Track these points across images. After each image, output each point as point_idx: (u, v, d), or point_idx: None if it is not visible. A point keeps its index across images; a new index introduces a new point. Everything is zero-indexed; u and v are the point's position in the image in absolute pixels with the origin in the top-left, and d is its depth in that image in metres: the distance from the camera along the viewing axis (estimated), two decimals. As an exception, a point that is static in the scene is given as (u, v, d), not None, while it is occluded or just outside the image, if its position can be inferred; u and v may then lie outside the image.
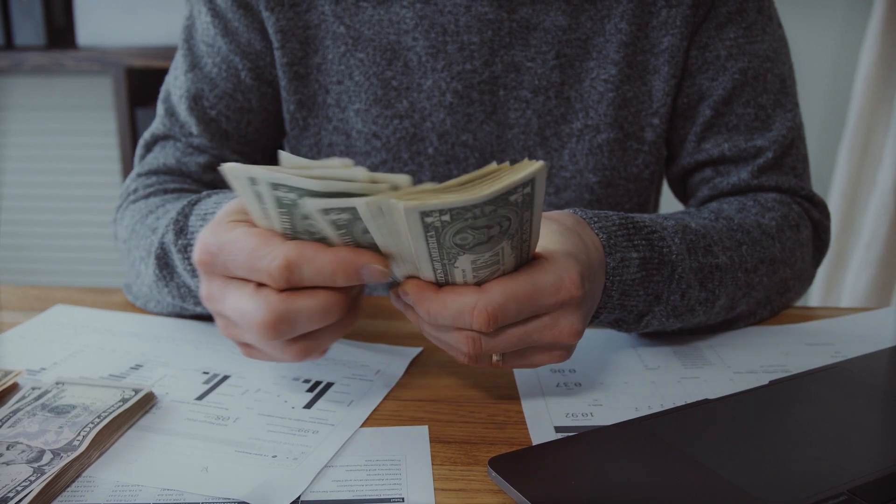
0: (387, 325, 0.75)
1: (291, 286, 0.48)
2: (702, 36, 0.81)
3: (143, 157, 0.87)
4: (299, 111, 0.84)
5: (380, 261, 0.48)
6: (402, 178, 0.44)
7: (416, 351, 0.69)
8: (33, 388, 0.60)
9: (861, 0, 1.98)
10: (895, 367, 0.65)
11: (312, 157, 0.86)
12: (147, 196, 0.79)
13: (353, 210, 0.44)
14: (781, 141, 0.82)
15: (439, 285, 0.51)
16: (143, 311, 0.78)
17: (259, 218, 0.49)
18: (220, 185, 0.84)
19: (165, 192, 0.79)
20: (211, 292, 0.52)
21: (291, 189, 0.44)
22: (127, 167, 1.92)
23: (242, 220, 0.51)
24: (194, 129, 0.83)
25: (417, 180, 0.84)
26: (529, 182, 0.44)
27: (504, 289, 0.50)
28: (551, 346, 0.54)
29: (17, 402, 0.58)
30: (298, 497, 0.49)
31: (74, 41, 1.93)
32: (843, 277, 2.06)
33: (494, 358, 0.54)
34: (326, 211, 0.45)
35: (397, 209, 0.43)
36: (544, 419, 0.58)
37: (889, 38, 1.89)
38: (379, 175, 0.44)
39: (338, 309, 0.49)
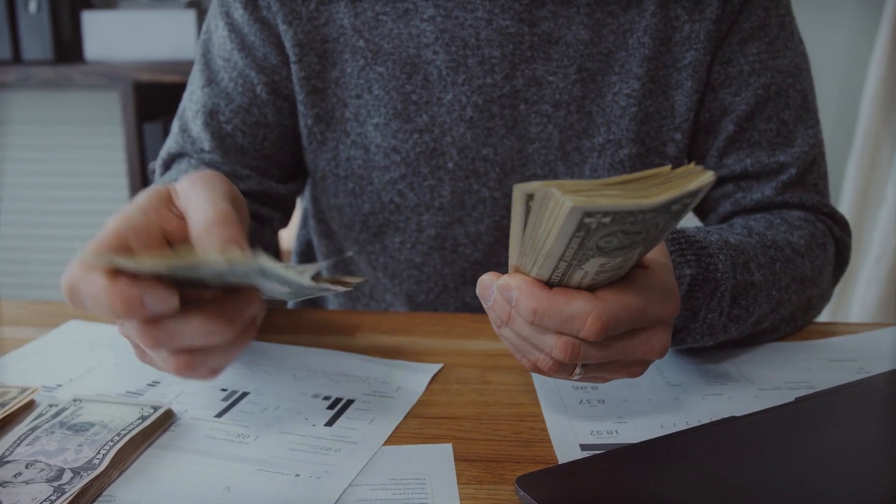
0: (405, 340, 0.74)
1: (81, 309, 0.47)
2: (725, 51, 0.81)
3: (161, 174, 0.87)
4: (317, 125, 0.84)
5: (169, 295, 0.45)
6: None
7: (436, 367, 0.68)
8: (50, 406, 0.59)
9: (868, 17, 1.99)
10: (922, 384, 0.64)
11: (331, 171, 0.86)
12: None
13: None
14: (804, 157, 0.81)
15: (549, 285, 0.49)
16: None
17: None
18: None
19: None
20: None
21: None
22: (134, 181, 1.92)
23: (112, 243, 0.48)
24: (206, 146, 0.83)
25: (436, 195, 0.83)
26: (697, 193, 0.42)
27: (619, 298, 0.48)
28: (634, 362, 0.53)
29: (35, 419, 0.57)
30: (323, 517, 0.48)
31: (82, 56, 1.94)
32: (852, 292, 2.05)
33: (577, 371, 0.53)
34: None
35: (558, 203, 0.40)
36: (569, 437, 0.57)
37: (895, 57, 1.90)
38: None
39: (221, 330, 0.47)
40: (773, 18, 0.81)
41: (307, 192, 0.98)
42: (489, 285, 0.52)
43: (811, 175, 0.82)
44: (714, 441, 0.55)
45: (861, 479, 0.50)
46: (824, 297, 0.79)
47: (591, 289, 0.49)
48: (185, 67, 1.86)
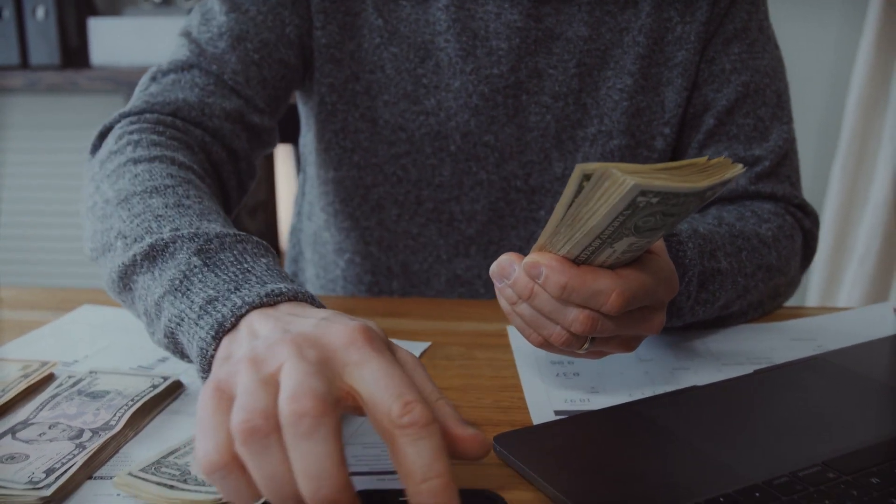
0: (397, 322, 0.79)
1: None
2: (709, 50, 0.87)
3: (146, 88, 0.81)
4: (329, 95, 0.88)
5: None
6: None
7: (425, 345, 0.73)
8: (69, 377, 0.64)
9: (853, 20, 2.04)
10: (873, 358, 0.70)
11: (338, 143, 0.89)
12: (152, 160, 0.69)
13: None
14: (778, 151, 0.87)
15: (575, 262, 0.54)
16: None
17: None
18: (238, 142, 0.81)
19: (173, 162, 0.70)
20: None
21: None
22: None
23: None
24: (233, 67, 0.80)
25: (437, 174, 0.88)
26: (726, 183, 0.47)
27: (638, 277, 0.54)
28: (632, 339, 0.59)
29: (56, 388, 0.62)
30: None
31: (88, 61, 2.00)
32: (837, 292, 2.10)
33: (585, 345, 0.57)
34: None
35: (616, 180, 0.45)
36: (545, 404, 0.62)
37: (879, 60, 1.95)
38: None
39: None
40: (753, 22, 0.87)
41: (304, 183, 1.03)
42: (509, 264, 0.56)
43: (784, 168, 0.88)
44: (676, 407, 0.60)
45: (809, 439, 0.55)
46: (792, 286, 0.85)
47: (611, 269, 0.54)
48: (188, 72, 1.92)
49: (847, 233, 2.05)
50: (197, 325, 0.52)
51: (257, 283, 0.53)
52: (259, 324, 0.49)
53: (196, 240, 0.57)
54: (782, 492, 0.49)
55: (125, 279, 0.60)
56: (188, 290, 0.54)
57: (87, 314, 0.81)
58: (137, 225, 0.61)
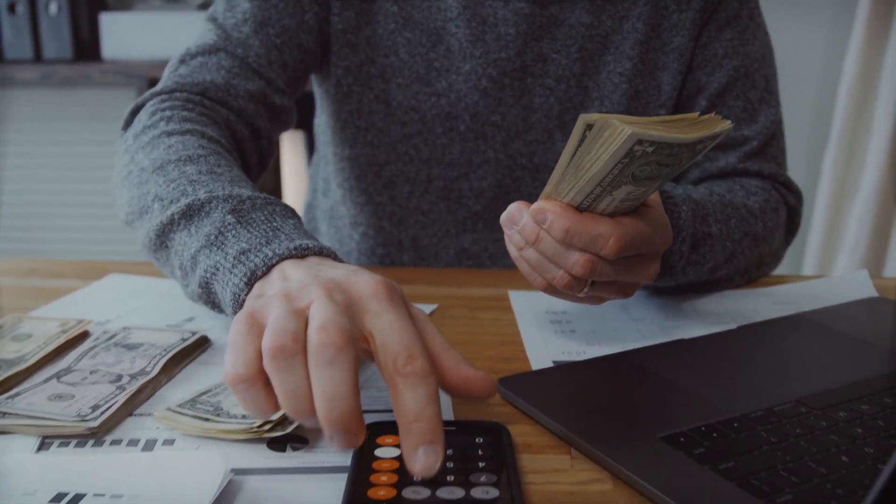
0: (405, 288, 0.84)
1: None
2: (703, 37, 0.92)
3: (178, 65, 0.86)
4: (345, 78, 0.93)
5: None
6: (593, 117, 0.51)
7: (431, 307, 0.78)
8: (104, 332, 0.70)
9: (843, 18, 2.10)
10: (848, 317, 0.75)
11: (353, 123, 0.95)
12: (185, 133, 0.75)
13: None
14: (765, 132, 0.92)
15: (578, 210, 0.59)
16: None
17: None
18: (260, 120, 0.86)
19: (203, 136, 0.76)
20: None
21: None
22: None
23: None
24: (255, 50, 0.85)
25: (447, 152, 0.94)
26: (717, 136, 0.53)
27: (635, 225, 0.59)
28: (628, 285, 0.64)
29: (93, 341, 0.68)
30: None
31: (99, 55, 2.05)
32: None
33: (585, 289, 0.62)
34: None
35: (616, 130, 0.49)
36: (544, 355, 0.68)
37: (869, 55, 2.00)
38: None
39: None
40: (744, 10, 0.93)
41: (319, 161, 1.09)
42: (518, 212, 0.62)
43: (771, 148, 0.93)
44: (665, 355, 0.66)
45: (786, 382, 0.61)
46: (776, 257, 0.90)
47: (610, 216, 0.59)
48: (197, 65, 1.97)
49: (838, 223, 2.10)
50: (231, 273, 0.58)
51: (286, 238, 0.59)
52: (290, 270, 0.55)
53: (230, 201, 0.63)
54: (758, 423, 0.54)
55: (162, 237, 0.65)
56: (223, 243, 0.60)
57: (114, 281, 0.86)
58: (174, 189, 0.66)
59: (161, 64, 1.97)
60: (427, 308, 0.78)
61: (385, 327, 0.49)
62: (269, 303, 0.50)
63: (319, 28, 0.92)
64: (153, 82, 1.98)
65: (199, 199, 0.64)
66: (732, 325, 0.74)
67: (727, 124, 0.53)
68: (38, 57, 2.04)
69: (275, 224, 0.61)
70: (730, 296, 0.82)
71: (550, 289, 0.63)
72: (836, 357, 0.67)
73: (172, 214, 0.64)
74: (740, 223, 0.81)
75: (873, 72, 2.02)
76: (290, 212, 0.65)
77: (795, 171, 0.98)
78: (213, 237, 0.61)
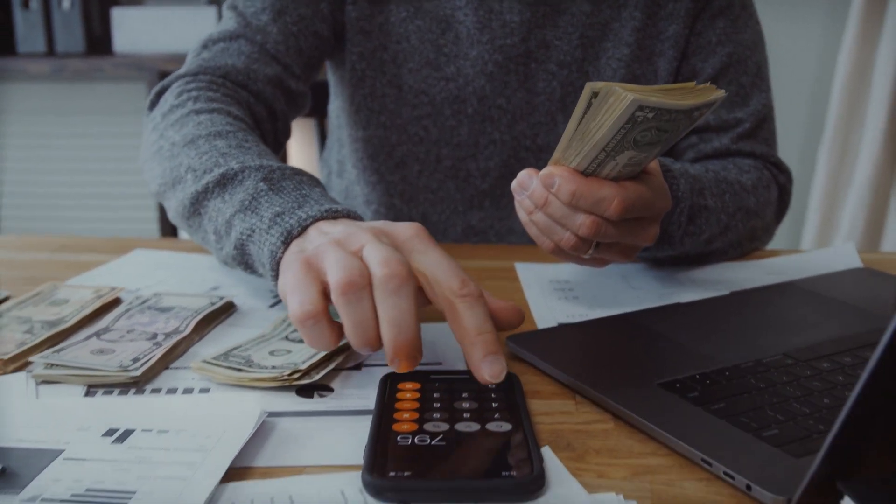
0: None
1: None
2: (697, 25, 0.97)
3: (201, 50, 0.91)
4: (359, 63, 0.99)
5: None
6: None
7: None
8: (137, 297, 0.74)
9: (837, 13, 2.14)
10: (836, 284, 0.80)
11: (366, 105, 1.00)
12: (212, 111, 0.80)
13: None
14: (757, 115, 0.97)
15: (584, 175, 0.63)
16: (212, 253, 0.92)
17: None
18: (277, 104, 0.92)
19: (229, 114, 0.81)
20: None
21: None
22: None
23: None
24: (274, 37, 0.90)
25: (455, 134, 0.99)
26: (712, 104, 0.57)
27: (637, 188, 0.63)
28: (630, 248, 0.68)
29: (127, 305, 0.72)
30: (360, 363, 0.63)
31: (111, 48, 2.10)
32: (824, 269, 2.20)
33: (591, 250, 0.67)
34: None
35: (619, 96, 0.54)
36: (549, 318, 0.72)
37: (863, 50, 2.05)
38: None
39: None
40: (737, 0, 0.97)
41: (332, 144, 1.13)
42: (528, 178, 0.66)
43: (762, 130, 0.98)
44: (663, 316, 0.71)
45: (776, 338, 0.65)
46: (767, 232, 0.95)
47: (615, 181, 0.63)
48: (207, 59, 2.02)
49: (833, 212, 2.15)
50: (268, 233, 0.62)
51: (316, 203, 0.64)
52: (327, 227, 0.60)
53: (261, 170, 0.68)
54: (748, 372, 0.59)
55: (196, 205, 0.70)
56: (257, 208, 0.65)
57: (140, 256, 0.91)
58: (206, 160, 0.71)
59: (171, 57, 2.01)
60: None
61: (433, 261, 0.56)
62: (323, 249, 0.55)
63: (334, 17, 0.97)
64: (164, 75, 2.03)
65: (233, 169, 0.69)
66: (726, 292, 0.78)
67: (721, 93, 0.58)
68: (50, 51, 2.09)
69: (304, 192, 0.66)
70: (724, 267, 0.87)
71: (558, 251, 0.68)
72: (822, 317, 0.71)
73: (207, 183, 0.69)
74: (734, 198, 0.85)
75: (867, 65, 2.07)
76: (316, 181, 0.70)
77: (791, 161, 1.03)
78: (247, 202, 0.66)
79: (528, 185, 0.66)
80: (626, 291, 0.79)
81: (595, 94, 0.56)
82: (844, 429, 0.40)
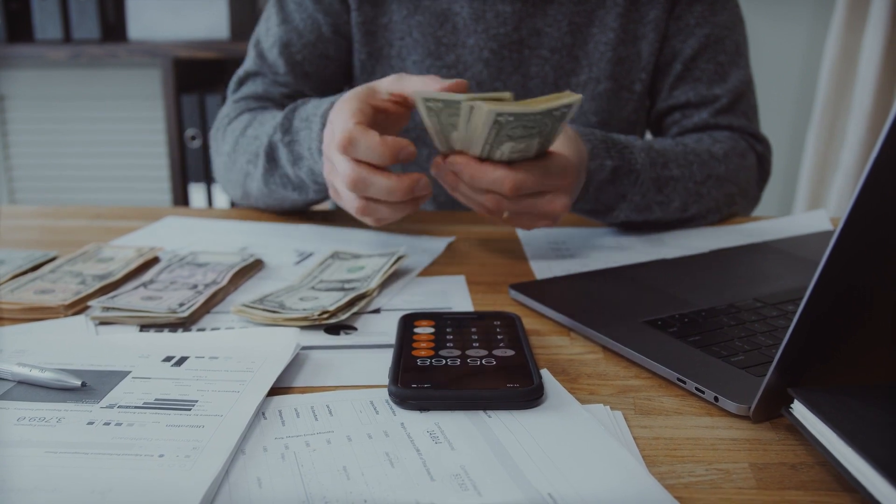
0: (423, 226, 0.97)
1: (349, 154, 0.72)
2: (677, 9, 1.05)
3: (235, 90, 1.11)
4: (368, 60, 1.07)
5: (411, 145, 0.72)
6: (505, 95, 0.72)
7: (450, 238, 0.91)
8: (175, 255, 0.82)
9: (825, 1, 2.22)
10: (807, 246, 0.88)
11: None
12: (238, 115, 1.03)
13: (446, 101, 0.70)
14: (735, 91, 1.05)
15: (480, 160, 0.74)
16: (238, 218, 1.00)
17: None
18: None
19: (249, 110, 1.03)
20: (333, 167, 0.76)
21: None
22: (173, 148, 2.15)
23: (360, 116, 0.73)
24: (281, 70, 1.06)
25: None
26: (569, 106, 0.70)
27: (526, 170, 0.74)
28: (545, 216, 0.78)
29: (167, 262, 0.80)
30: (379, 308, 0.71)
31: (126, 35, 2.17)
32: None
33: (505, 214, 0.77)
34: (427, 99, 0.71)
35: (482, 110, 0.68)
36: (547, 272, 0.81)
37: (849, 36, 2.13)
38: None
39: (399, 193, 0.73)
40: None
41: None
42: (441, 164, 0.78)
43: (740, 105, 1.06)
44: (649, 269, 0.79)
45: (750, 287, 0.73)
46: (747, 197, 1.03)
47: (510, 163, 0.74)
48: (219, 45, 2.09)
49: (820, 194, 2.23)
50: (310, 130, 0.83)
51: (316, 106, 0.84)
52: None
53: (281, 126, 0.87)
54: (721, 313, 0.67)
55: (270, 154, 0.91)
56: (296, 133, 0.86)
57: (172, 222, 0.99)
58: (249, 144, 0.95)
59: (185, 44, 2.09)
60: (444, 240, 0.91)
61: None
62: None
63: (337, 35, 1.07)
64: (177, 61, 2.11)
65: (271, 139, 0.86)
66: (706, 251, 0.86)
67: (576, 97, 0.70)
68: (67, 37, 2.16)
69: (307, 112, 0.86)
70: (706, 230, 0.95)
71: (484, 215, 0.79)
72: (790, 271, 0.79)
73: (267, 149, 0.90)
74: (702, 167, 0.94)
75: (853, 51, 2.15)
76: (302, 103, 0.88)
77: (780, 145, 1.11)
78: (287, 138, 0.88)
79: (442, 170, 0.78)
80: (617, 251, 0.87)
81: (472, 108, 0.69)
82: (793, 340, 0.48)
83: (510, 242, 0.91)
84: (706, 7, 1.05)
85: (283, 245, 0.90)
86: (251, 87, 1.08)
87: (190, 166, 2.18)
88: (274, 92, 1.07)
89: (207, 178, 2.19)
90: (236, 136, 0.99)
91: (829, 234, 0.93)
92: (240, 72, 1.11)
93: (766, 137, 1.08)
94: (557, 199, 0.77)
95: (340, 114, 0.74)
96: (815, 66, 2.26)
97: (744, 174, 1.00)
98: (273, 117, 0.92)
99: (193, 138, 2.15)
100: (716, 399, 0.54)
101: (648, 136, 1.17)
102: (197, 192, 2.20)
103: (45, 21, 2.14)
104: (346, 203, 0.78)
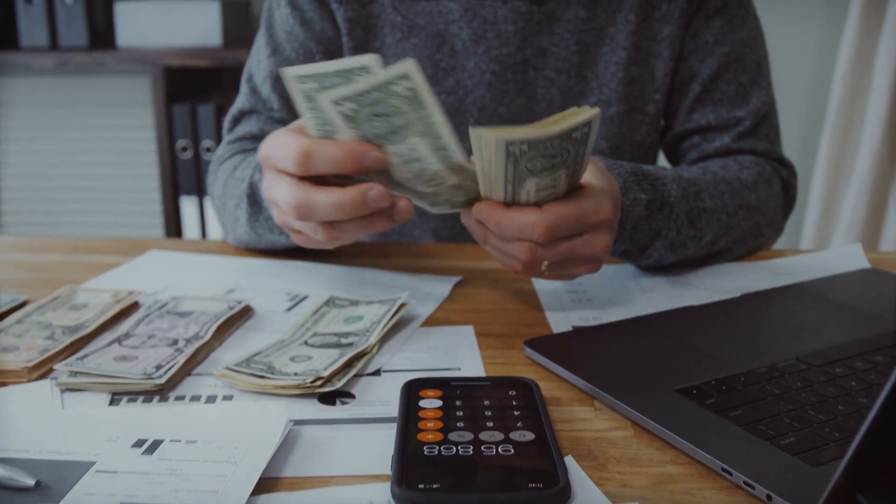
0: (432, 262, 0.90)
1: (308, 172, 0.63)
2: (693, 25, 0.97)
3: (231, 129, 1.04)
4: None
5: (377, 149, 0.62)
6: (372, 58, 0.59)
7: (456, 279, 0.84)
8: (155, 301, 0.75)
9: (838, 6, 2.14)
10: (843, 286, 0.81)
11: None
12: (230, 157, 0.96)
13: (358, 98, 0.59)
14: (757, 112, 0.98)
15: (507, 205, 0.65)
16: (226, 253, 0.93)
17: (308, 122, 0.64)
18: None
19: (245, 151, 0.96)
20: (268, 184, 0.68)
21: (310, 78, 0.60)
22: (164, 158, 2.08)
23: (295, 129, 0.66)
24: (276, 105, 0.99)
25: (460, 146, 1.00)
26: (588, 124, 0.60)
27: (558, 209, 0.64)
28: (587, 259, 0.69)
29: (146, 310, 0.73)
30: (379, 368, 0.64)
31: (115, 42, 2.09)
32: (825, 260, 2.21)
33: (543, 266, 0.68)
34: (336, 102, 0.60)
35: (489, 139, 0.59)
36: (564, 321, 0.73)
37: (864, 38, 2.06)
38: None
39: (348, 206, 0.63)
40: None
41: None
42: (467, 214, 0.69)
43: (763, 127, 0.99)
44: (677, 319, 0.72)
45: (788, 342, 0.66)
46: (774, 227, 0.96)
47: (538, 205, 0.65)
48: (212, 53, 2.01)
49: (834, 203, 2.16)
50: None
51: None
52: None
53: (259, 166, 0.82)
54: (762, 377, 0.60)
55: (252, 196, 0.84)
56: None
57: (155, 257, 0.92)
58: (236, 187, 0.88)
59: (175, 51, 2.01)
60: (450, 280, 0.84)
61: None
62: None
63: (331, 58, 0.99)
64: (167, 70, 2.03)
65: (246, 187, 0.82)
66: (737, 294, 0.79)
67: (594, 112, 0.60)
68: (54, 45, 2.09)
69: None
70: (732, 267, 0.88)
71: (518, 272, 0.69)
72: (832, 321, 0.72)
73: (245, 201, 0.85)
74: (734, 196, 0.86)
75: (869, 55, 2.08)
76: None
77: (792, 154, 1.04)
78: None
79: (469, 221, 0.69)
80: (639, 294, 0.80)
81: (479, 138, 0.60)
82: (865, 441, 0.41)
83: (521, 282, 0.84)
84: (725, 23, 0.98)
85: (274, 286, 0.82)
86: (246, 127, 1.01)
87: (181, 179, 2.11)
88: (271, 130, 0.98)
89: (199, 192, 2.12)
90: (225, 179, 0.92)
91: (866, 272, 0.85)
92: (233, 110, 1.05)
93: (791, 162, 1.01)
94: (598, 237, 0.67)
95: (281, 137, 0.66)
96: (828, 71, 2.19)
97: (771, 203, 0.93)
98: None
99: (185, 149, 2.08)
100: (769, 497, 0.46)
101: (662, 160, 1.10)
102: (189, 206, 2.13)
103: (31, 27, 2.07)
104: (312, 240, 0.70)
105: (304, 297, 0.79)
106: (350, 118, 0.61)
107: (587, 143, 0.62)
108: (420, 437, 0.51)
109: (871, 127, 2.06)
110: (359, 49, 0.98)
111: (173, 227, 2.14)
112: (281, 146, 0.64)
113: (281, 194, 0.65)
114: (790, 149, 1.04)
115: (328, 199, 0.63)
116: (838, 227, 2.14)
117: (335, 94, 0.59)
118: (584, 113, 0.60)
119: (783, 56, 2.08)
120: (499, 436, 0.51)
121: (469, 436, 0.51)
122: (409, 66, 0.57)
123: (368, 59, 0.59)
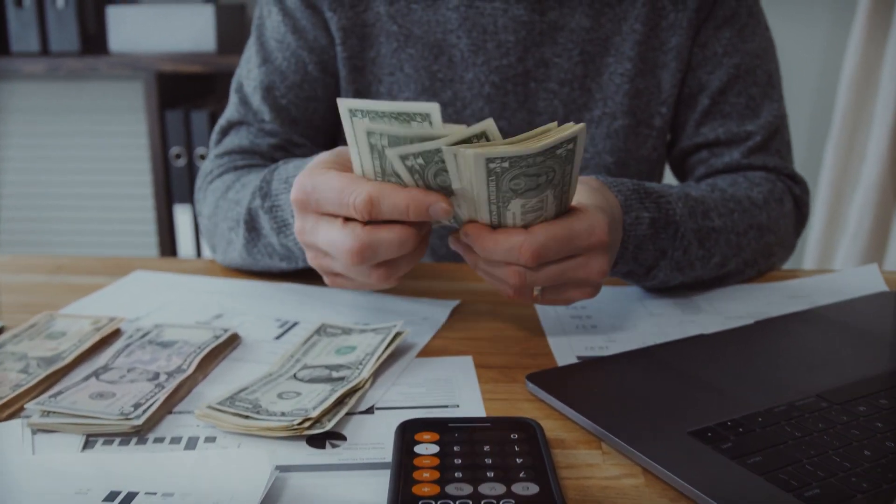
0: (428, 284, 0.86)
1: (373, 219, 0.59)
2: (702, 36, 0.93)
3: (219, 141, 0.99)
4: (356, 98, 0.96)
5: (445, 200, 0.58)
6: (487, 123, 0.56)
7: (455, 303, 0.80)
8: (137, 330, 0.71)
9: (845, 8, 2.11)
10: (861, 311, 0.77)
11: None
12: (221, 174, 0.91)
13: (426, 154, 0.56)
14: (768, 127, 0.94)
15: (493, 227, 0.61)
16: (214, 274, 0.89)
17: (356, 161, 0.61)
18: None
19: (235, 168, 0.91)
20: (304, 227, 0.64)
21: (381, 136, 0.56)
22: (157, 165, 2.04)
23: (333, 166, 0.62)
24: (267, 116, 0.95)
25: None
26: (572, 140, 0.56)
27: (546, 231, 0.60)
28: (582, 283, 0.65)
29: (127, 339, 0.69)
30: (373, 405, 0.60)
31: (107, 47, 2.05)
32: (830, 267, 2.17)
33: (535, 291, 0.65)
34: (404, 157, 0.57)
35: (467, 156, 0.55)
36: (568, 351, 0.70)
37: (871, 43, 2.02)
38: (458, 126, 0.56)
39: (412, 241, 0.60)
40: (743, 8, 0.94)
41: None
42: (454, 239, 0.65)
43: (774, 142, 0.95)
44: (687, 350, 0.68)
45: (805, 376, 0.62)
46: (785, 247, 0.92)
47: (526, 227, 0.61)
48: (205, 58, 1.97)
49: (839, 211, 2.12)
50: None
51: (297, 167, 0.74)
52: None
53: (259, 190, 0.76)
54: (781, 417, 0.56)
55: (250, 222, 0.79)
56: (276, 197, 0.75)
57: (140, 278, 0.88)
58: (230, 210, 0.83)
59: (168, 56, 1.97)
60: (448, 305, 0.80)
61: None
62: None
63: (324, 74, 0.96)
64: (160, 75, 1.99)
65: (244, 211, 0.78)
66: (749, 320, 0.75)
67: (578, 127, 0.56)
68: (45, 50, 2.05)
69: (284, 177, 0.75)
70: (743, 290, 0.84)
71: (511, 298, 0.65)
72: (851, 351, 0.68)
73: (246, 218, 0.80)
74: (744, 215, 0.83)
75: (875, 63, 2.04)
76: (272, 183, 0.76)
77: (797, 161, 1.00)
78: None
79: (458, 245, 0.66)
80: (646, 319, 0.76)
81: (455, 156, 0.55)
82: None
83: (522, 306, 0.80)
84: (734, 33, 0.94)
85: (263, 310, 0.79)
86: (235, 140, 0.97)
87: (175, 186, 2.07)
88: (262, 144, 0.96)
89: (193, 200, 2.07)
90: (217, 198, 0.88)
91: (884, 296, 0.81)
92: (222, 121, 1.00)
93: (804, 178, 0.97)
94: (592, 261, 0.63)
95: (325, 178, 0.62)
96: (834, 77, 2.15)
97: (783, 222, 0.89)
98: (257, 178, 0.80)
99: (178, 156, 2.03)
100: (794, 561, 0.43)
101: (669, 176, 1.06)
102: (182, 214, 2.08)
103: (22, 32, 2.03)
104: (355, 283, 0.66)
105: (295, 324, 0.76)
106: (414, 171, 0.58)
107: (573, 160, 0.58)
108: (415, 489, 0.47)
109: (877, 134, 2.02)
110: (352, 59, 0.94)
111: (167, 235, 2.10)
112: (331, 190, 0.60)
113: (332, 239, 0.61)
114: (795, 156, 0.99)
115: (395, 236, 0.60)
116: (844, 235, 2.10)
117: (404, 151, 0.57)
118: (569, 128, 0.56)
119: (788, 62, 2.04)
120: (500, 489, 0.47)
121: (468, 489, 0.47)
122: (579, 128, 0.56)
123: (430, 108, 0.56)
